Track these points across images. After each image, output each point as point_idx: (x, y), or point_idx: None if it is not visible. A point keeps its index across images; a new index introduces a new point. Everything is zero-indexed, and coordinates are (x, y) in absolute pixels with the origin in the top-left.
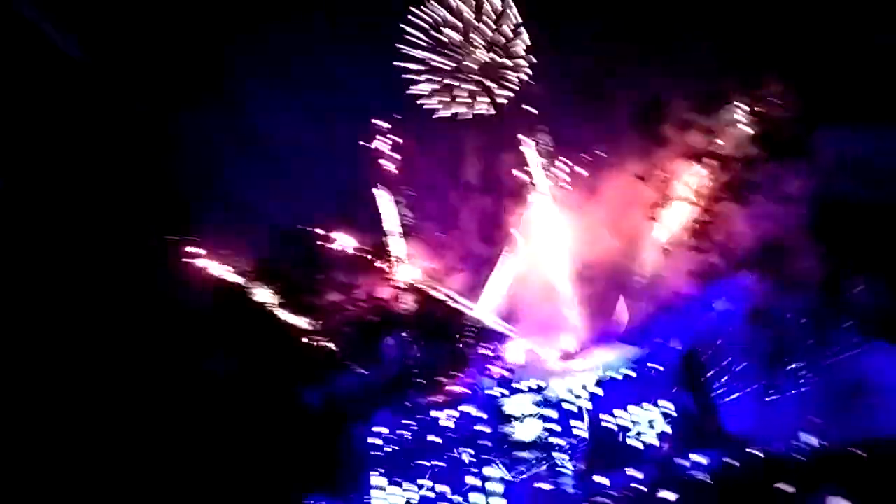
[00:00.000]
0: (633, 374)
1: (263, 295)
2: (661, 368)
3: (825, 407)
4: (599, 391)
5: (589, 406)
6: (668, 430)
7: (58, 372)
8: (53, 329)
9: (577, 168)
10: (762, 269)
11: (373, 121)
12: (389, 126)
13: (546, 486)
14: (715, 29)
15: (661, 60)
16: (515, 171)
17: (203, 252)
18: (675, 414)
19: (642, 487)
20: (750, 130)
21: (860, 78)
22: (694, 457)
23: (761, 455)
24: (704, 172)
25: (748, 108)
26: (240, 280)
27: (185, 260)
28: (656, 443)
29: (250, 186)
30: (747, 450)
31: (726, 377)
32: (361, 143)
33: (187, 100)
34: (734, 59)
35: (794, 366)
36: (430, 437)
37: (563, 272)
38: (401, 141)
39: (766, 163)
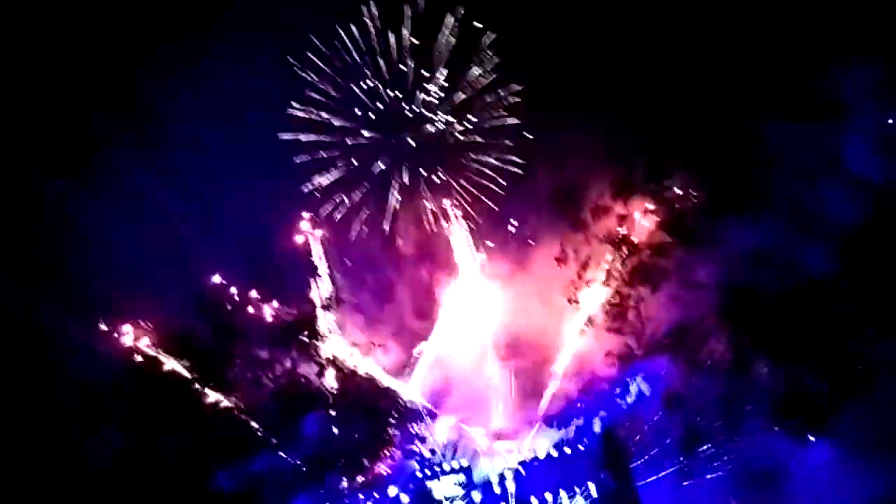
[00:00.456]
0: (556, 455)
1: (174, 368)
2: (583, 449)
3: (739, 491)
4: (523, 472)
5: (513, 488)
6: None
7: None
8: None
9: (500, 245)
10: (674, 352)
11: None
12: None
13: None
14: (629, 117)
15: (579, 144)
16: (446, 243)
17: (107, 326)
18: (595, 496)
19: None
20: (658, 218)
21: (763, 169)
22: None
23: None
24: (618, 256)
25: (655, 197)
26: (149, 352)
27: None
28: None
29: (160, 250)
30: None
31: (644, 459)
32: (288, 205)
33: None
34: (645, 149)
35: (706, 449)
36: None
37: (489, 350)
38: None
39: (675, 249)
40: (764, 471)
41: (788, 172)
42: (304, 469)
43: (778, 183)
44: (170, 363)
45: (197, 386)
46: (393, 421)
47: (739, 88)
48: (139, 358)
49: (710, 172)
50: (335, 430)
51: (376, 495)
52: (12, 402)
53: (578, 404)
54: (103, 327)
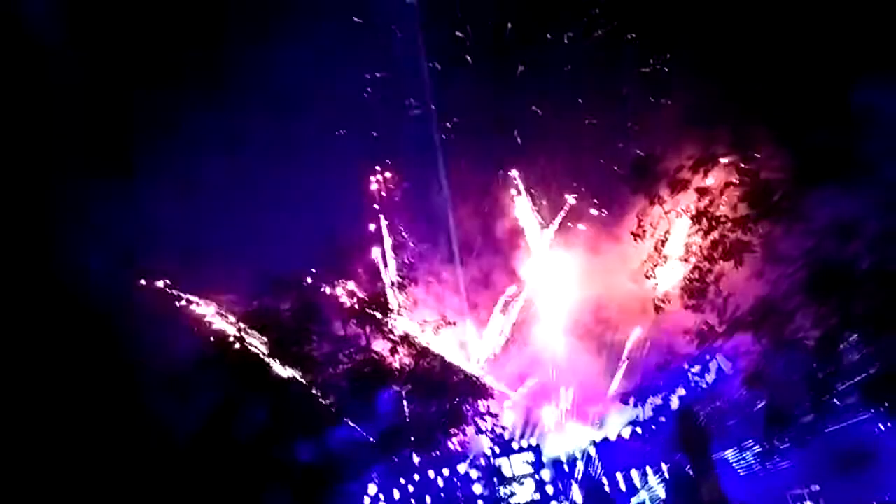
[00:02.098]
0: (629, 436)
1: (254, 345)
2: (656, 429)
3: (823, 474)
4: (593, 452)
5: (582, 468)
6: (662, 494)
7: None
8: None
9: (572, 224)
10: (758, 329)
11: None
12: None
13: None
14: (709, 87)
15: (656, 117)
16: (513, 222)
17: (193, 301)
18: (669, 477)
19: None
20: (741, 190)
21: (851, 138)
22: None
23: None
24: (698, 231)
25: (739, 168)
26: (230, 330)
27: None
28: None
29: (241, 233)
30: None
31: (724, 440)
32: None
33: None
34: (727, 119)
35: (790, 430)
36: (423, 497)
37: (559, 329)
38: (397, 189)
39: (759, 223)
40: (850, 456)
41: (886, 138)
42: (378, 444)
43: (874, 150)
44: (250, 339)
45: (276, 361)
46: (464, 398)
47: (833, 47)
48: (222, 332)
49: (800, 140)
50: (407, 406)
51: (446, 472)
52: (98, 374)
53: (655, 383)
54: (190, 301)
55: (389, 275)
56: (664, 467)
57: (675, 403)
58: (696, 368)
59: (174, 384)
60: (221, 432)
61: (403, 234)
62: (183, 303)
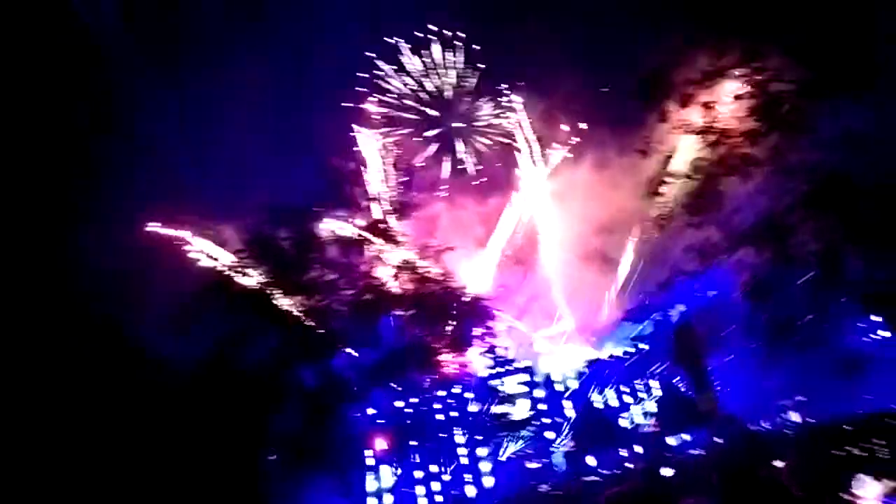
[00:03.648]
0: (624, 353)
1: (256, 274)
2: (651, 346)
3: (811, 385)
4: (586, 370)
5: (577, 385)
6: (655, 409)
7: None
8: None
9: (573, 140)
10: (761, 243)
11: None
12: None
13: (535, 465)
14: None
15: (661, 34)
16: (511, 144)
17: (192, 231)
18: (662, 392)
19: (631, 466)
20: (750, 103)
21: (860, 51)
22: (684, 436)
23: (753, 433)
24: (704, 146)
25: (748, 81)
26: (231, 258)
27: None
28: (644, 421)
29: (239, 165)
30: (740, 427)
31: (722, 350)
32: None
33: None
34: (734, 31)
35: (792, 339)
36: (424, 417)
37: (561, 248)
38: (392, 118)
39: (766, 136)
40: (839, 366)
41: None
42: (379, 368)
43: (880, 63)
44: (251, 269)
45: (279, 291)
46: (463, 321)
47: None
48: (224, 262)
49: (807, 53)
50: (408, 331)
51: (443, 393)
52: (103, 311)
53: (656, 300)
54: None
55: (388, 202)
56: (657, 383)
57: (674, 317)
58: (698, 284)
59: (176, 319)
60: (228, 362)
61: (402, 157)
62: (184, 237)
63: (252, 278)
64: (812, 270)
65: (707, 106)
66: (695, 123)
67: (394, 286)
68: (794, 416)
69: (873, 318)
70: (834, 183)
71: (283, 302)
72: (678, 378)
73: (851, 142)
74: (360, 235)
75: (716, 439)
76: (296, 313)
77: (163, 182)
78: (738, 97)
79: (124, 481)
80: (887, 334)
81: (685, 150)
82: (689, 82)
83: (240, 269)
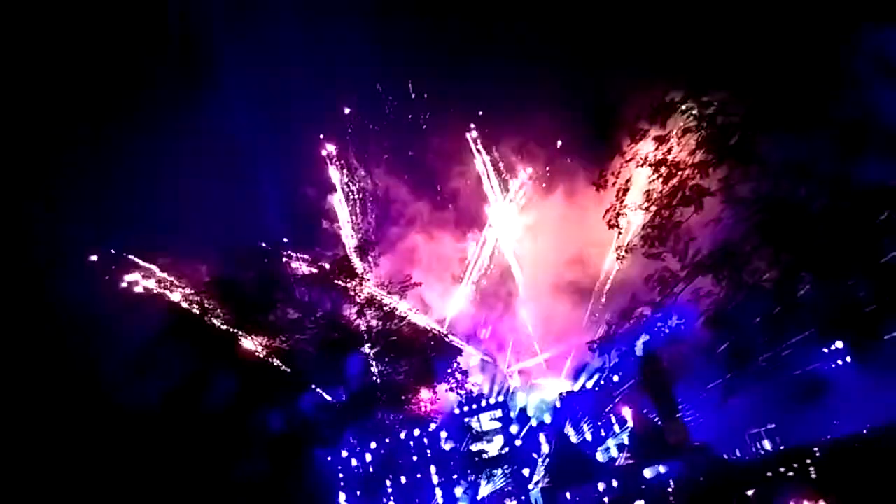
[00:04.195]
0: (593, 386)
1: (219, 315)
2: (621, 377)
3: (778, 412)
4: (559, 405)
5: (549, 420)
6: (626, 441)
7: None
8: None
9: (535, 175)
10: (718, 272)
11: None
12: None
13: (512, 503)
14: (663, 38)
15: (613, 70)
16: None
17: (155, 273)
18: (633, 424)
19: (605, 500)
20: (699, 136)
21: (801, 85)
22: (660, 468)
23: (723, 461)
24: (658, 178)
25: (697, 115)
26: (194, 300)
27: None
28: (616, 454)
29: (200, 205)
30: (708, 457)
31: (687, 382)
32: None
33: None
34: (682, 69)
35: (750, 366)
36: (395, 457)
37: (523, 284)
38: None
39: (716, 167)
40: (803, 393)
41: (836, 83)
42: (348, 407)
43: (825, 94)
44: (214, 310)
45: (242, 332)
46: (432, 358)
47: None
48: (184, 303)
49: (753, 86)
50: (376, 368)
51: (417, 432)
52: (58, 350)
53: (619, 331)
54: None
55: (352, 240)
56: (629, 414)
57: (639, 350)
58: (660, 314)
59: (136, 363)
60: (190, 405)
61: (366, 197)
62: (145, 280)
63: (216, 319)
64: (769, 298)
65: (659, 139)
66: (647, 157)
67: (361, 323)
68: (766, 444)
69: (835, 345)
70: (785, 211)
71: (247, 343)
72: (646, 410)
73: (799, 170)
74: (324, 274)
75: (687, 468)
76: (261, 354)
77: (127, 227)
78: (687, 130)
79: None
80: (848, 359)
81: (641, 183)
82: (640, 117)
83: (202, 311)
